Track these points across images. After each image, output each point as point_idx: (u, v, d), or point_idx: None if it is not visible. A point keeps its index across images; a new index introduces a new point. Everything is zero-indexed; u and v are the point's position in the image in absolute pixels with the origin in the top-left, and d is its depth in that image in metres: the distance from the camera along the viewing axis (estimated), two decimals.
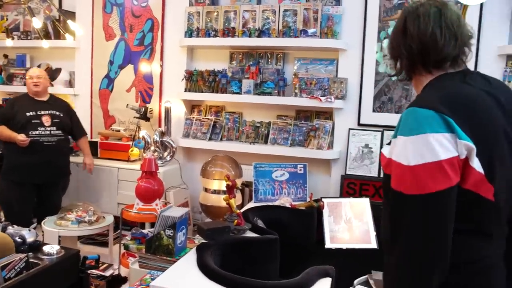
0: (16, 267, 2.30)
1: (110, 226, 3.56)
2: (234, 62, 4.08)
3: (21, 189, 3.59)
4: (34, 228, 2.83)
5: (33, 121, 3.61)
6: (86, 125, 4.57)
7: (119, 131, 4.38)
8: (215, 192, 3.54)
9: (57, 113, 3.74)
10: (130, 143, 4.19)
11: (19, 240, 2.53)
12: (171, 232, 2.37)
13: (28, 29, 4.79)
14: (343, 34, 3.68)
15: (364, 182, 3.52)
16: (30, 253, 2.46)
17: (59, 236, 3.33)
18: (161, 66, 4.34)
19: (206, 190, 3.60)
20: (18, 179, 3.60)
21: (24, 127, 3.58)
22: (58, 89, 4.68)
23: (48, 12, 4.28)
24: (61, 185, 3.90)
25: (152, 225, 3.20)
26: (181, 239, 2.44)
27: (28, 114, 3.62)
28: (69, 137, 3.93)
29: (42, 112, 3.67)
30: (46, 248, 2.55)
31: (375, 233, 2.93)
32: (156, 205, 3.44)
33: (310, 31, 3.67)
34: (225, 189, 2.51)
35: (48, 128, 3.65)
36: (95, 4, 4.58)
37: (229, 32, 3.88)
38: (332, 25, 3.67)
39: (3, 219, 3.62)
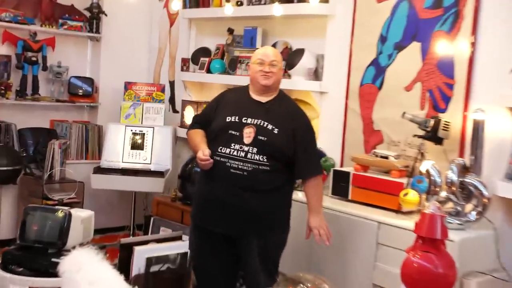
0: None
1: None
2: None
3: (206, 238, 3.33)
4: None
5: (230, 131, 3.29)
6: (334, 144, 4.37)
7: (387, 157, 3.78)
8: None
9: (270, 126, 3.31)
10: (405, 180, 3.60)
11: None
12: None
13: None
14: None
15: None
16: None
17: None
18: (472, 45, 3.59)
19: None
20: (199, 221, 3.41)
21: (216, 138, 3.30)
22: (295, 82, 4.33)
23: None
24: (275, 241, 3.44)
25: None
26: None
27: (228, 119, 3.32)
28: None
29: (249, 120, 3.30)
30: None
31: None
32: None
33: None
34: None
35: (246, 148, 3.28)
36: None
37: None
38: None
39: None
